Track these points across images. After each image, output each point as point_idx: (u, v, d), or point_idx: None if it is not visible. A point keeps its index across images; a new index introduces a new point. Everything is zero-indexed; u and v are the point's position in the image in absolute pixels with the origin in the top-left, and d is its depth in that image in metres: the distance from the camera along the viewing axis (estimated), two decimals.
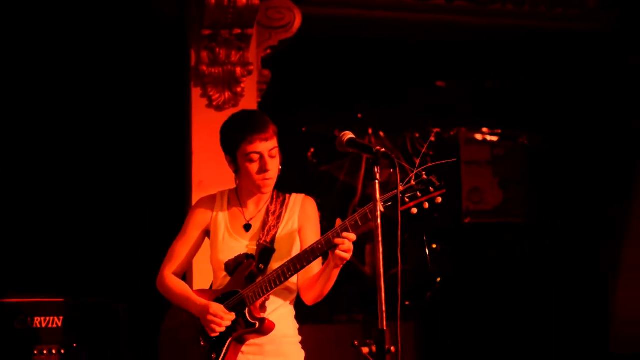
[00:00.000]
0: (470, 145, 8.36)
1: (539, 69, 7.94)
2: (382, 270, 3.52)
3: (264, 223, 4.34)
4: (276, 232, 4.30)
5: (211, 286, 4.45)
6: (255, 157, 4.18)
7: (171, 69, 6.64)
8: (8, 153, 6.83)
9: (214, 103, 6.14)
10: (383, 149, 3.60)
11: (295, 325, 4.39)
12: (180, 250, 4.46)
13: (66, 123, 6.85)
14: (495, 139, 8.51)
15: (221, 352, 4.19)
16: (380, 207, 3.69)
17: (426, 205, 3.86)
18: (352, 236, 3.93)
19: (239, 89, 6.15)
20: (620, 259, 7.84)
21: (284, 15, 6.45)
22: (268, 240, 4.27)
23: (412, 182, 3.84)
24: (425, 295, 7.65)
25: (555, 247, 8.12)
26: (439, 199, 3.83)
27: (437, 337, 7.58)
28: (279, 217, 4.34)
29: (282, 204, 4.40)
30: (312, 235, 4.30)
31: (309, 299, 4.32)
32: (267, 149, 4.20)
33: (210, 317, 4.14)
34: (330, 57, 7.38)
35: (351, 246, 3.95)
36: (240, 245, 4.31)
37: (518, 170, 8.45)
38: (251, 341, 4.23)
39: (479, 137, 8.46)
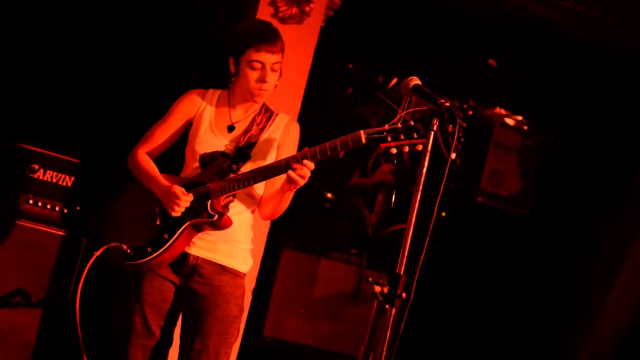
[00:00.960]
0: (504, 129, 8.37)
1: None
2: (414, 216, 3.62)
3: (247, 130, 4.47)
4: (256, 142, 4.44)
5: (179, 175, 4.55)
6: (258, 65, 4.31)
7: None
8: None
9: (279, 14, 6.13)
10: (448, 103, 3.66)
11: (250, 234, 4.55)
12: (158, 134, 4.57)
13: None
14: (528, 129, 8.52)
15: (174, 234, 4.29)
16: (362, 137, 3.98)
17: (406, 148, 3.98)
18: (310, 164, 4.09)
19: (307, 8, 6.13)
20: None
21: None
22: (247, 146, 4.42)
23: (398, 125, 3.97)
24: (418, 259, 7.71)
25: (555, 244, 8.22)
26: (419, 147, 3.91)
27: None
28: (262, 130, 4.48)
29: (269, 119, 4.54)
30: (287, 153, 4.41)
31: (263, 213, 4.54)
32: (271, 61, 4.32)
33: (172, 197, 4.25)
34: (400, 6, 7.35)
35: (307, 173, 4.10)
36: (220, 142, 4.44)
37: (540, 164, 8.50)
38: (205, 237, 4.38)
39: (513, 123, 8.46)
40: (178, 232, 4.29)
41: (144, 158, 4.53)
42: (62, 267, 6.03)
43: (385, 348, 3.54)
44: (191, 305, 4.43)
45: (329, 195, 7.64)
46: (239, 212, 4.44)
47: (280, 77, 4.43)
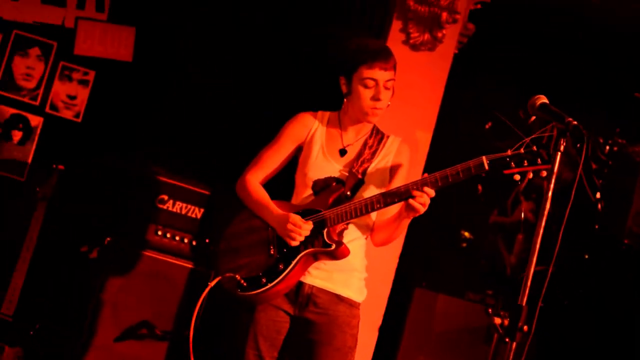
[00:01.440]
0: None
1: None
2: (537, 246, 3.43)
3: (359, 154, 4.33)
4: (368, 166, 4.30)
5: (290, 202, 4.43)
6: (371, 83, 4.17)
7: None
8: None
9: (411, 41, 5.95)
10: (575, 122, 3.49)
11: (364, 262, 4.39)
12: (268, 159, 4.45)
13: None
14: None
15: (290, 264, 4.15)
16: (484, 163, 3.84)
17: (530, 175, 3.84)
18: (431, 192, 3.96)
19: (439, 34, 5.93)
20: None
21: None
22: (360, 171, 4.27)
23: (521, 150, 3.83)
24: (563, 301, 7.40)
25: None
26: (544, 173, 3.79)
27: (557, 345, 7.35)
28: (374, 153, 4.34)
29: (380, 141, 4.40)
30: (401, 179, 4.31)
31: (376, 240, 4.39)
32: (384, 78, 4.18)
33: (289, 226, 4.11)
34: (539, 34, 7.07)
35: (427, 201, 3.97)
36: (332, 167, 4.31)
37: None
38: (321, 266, 4.23)
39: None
40: (294, 262, 4.16)
41: (254, 184, 4.43)
42: (189, 300, 5.96)
43: None
44: (305, 335, 4.28)
45: (467, 234, 7.43)
46: (353, 239, 4.29)
47: (392, 95, 4.27)
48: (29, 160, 6.71)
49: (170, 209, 6.06)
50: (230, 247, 4.37)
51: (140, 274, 5.91)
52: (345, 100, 4.34)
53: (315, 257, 4.19)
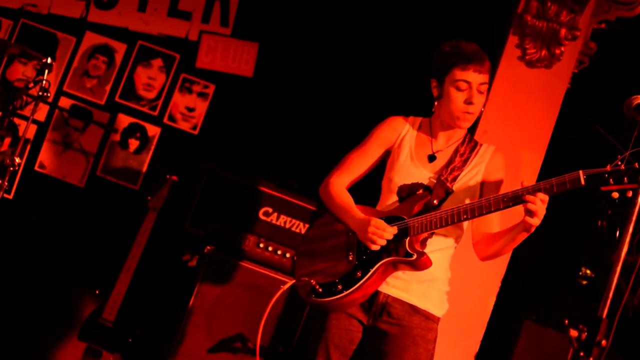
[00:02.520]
0: None
1: None
2: (623, 254, 3.29)
3: (450, 161, 4.11)
4: (459, 175, 4.08)
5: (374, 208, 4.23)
6: (464, 86, 3.98)
7: (491, 10, 6.25)
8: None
9: (527, 57, 5.69)
10: None
11: (448, 274, 4.17)
12: (354, 162, 4.27)
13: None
14: None
15: (368, 271, 3.94)
16: (581, 177, 3.60)
17: (629, 193, 3.52)
18: (545, 197, 3.66)
19: (557, 51, 5.65)
20: None
21: None
22: (449, 179, 4.05)
23: (622, 166, 3.56)
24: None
25: None
26: None
27: None
28: (465, 161, 4.11)
29: (472, 149, 4.16)
30: (495, 189, 4.06)
31: (485, 255, 4.09)
32: (478, 81, 3.99)
33: (371, 229, 3.90)
34: None
35: (542, 209, 3.67)
36: (420, 173, 4.11)
37: None
38: (399, 275, 4.01)
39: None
40: (372, 270, 3.94)
41: (338, 187, 4.24)
42: (286, 315, 5.84)
43: None
44: (377, 346, 4.06)
45: (588, 271, 7.07)
46: (437, 250, 4.06)
47: (486, 102, 4.07)
48: (144, 169, 6.78)
49: (274, 222, 5.99)
50: (309, 250, 4.21)
51: (237, 285, 5.86)
52: (435, 104, 4.14)
53: (394, 267, 3.97)
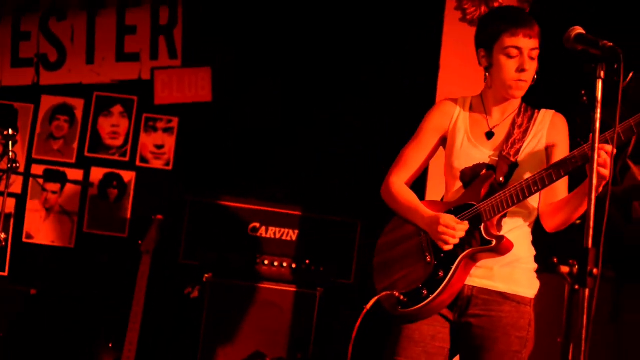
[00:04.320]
0: None
1: None
2: (594, 182, 3.10)
3: (509, 134, 3.89)
4: (521, 147, 3.86)
5: (442, 199, 4.05)
6: (515, 52, 3.76)
7: None
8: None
9: (468, 17, 5.72)
10: (610, 43, 3.13)
11: (532, 251, 3.92)
12: (411, 155, 4.05)
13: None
14: None
15: (450, 269, 3.73)
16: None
17: None
18: (609, 148, 3.42)
19: (496, 4, 5.67)
20: None
21: None
22: (512, 153, 3.83)
23: None
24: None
25: None
26: None
27: None
28: (525, 131, 3.89)
29: (530, 118, 3.94)
30: (562, 154, 3.78)
31: (553, 225, 3.87)
32: (529, 47, 3.77)
33: (441, 229, 3.72)
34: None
35: (608, 160, 3.43)
36: (480, 153, 3.89)
37: None
38: (481, 263, 3.78)
39: None
40: (453, 267, 3.74)
41: (400, 186, 4.03)
42: (298, 323, 5.90)
43: (585, 335, 3.03)
44: (468, 342, 3.86)
45: None
46: (515, 228, 3.85)
47: (537, 69, 3.85)
48: (128, 216, 6.80)
49: (264, 235, 6.03)
50: (383, 260, 3.99)
51: (243, 304, 5.86)
52: (486, 75, 3.92)
53: (475, 258, 3.77)
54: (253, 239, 6.02)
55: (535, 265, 3.91)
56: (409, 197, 4.00)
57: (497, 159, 3.84)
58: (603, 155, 3.44)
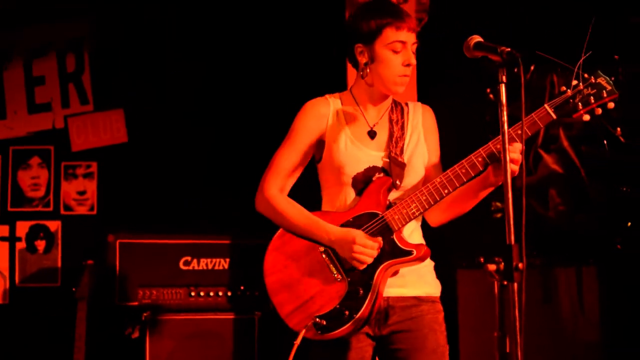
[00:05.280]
0: None
1: None
2: (509, 180, 3.16)
3: (391, 133, 3.72)
4: (403, 144, 3.71)
5: (321, 208, 3.82)
6: (399, 47, 3.60)
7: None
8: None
9: None
10: (508, 48, 3.17)
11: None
12: (285, 161, 3.76)
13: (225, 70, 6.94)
14: None
15: (370, 286, 3.53)
16: (549, 111, 3.51)
17: (598, 111, 3.52)
18: (519, 145, 3.44)
19: None
20: None
21: None
22: (398, 152, 3.68)
23: (581, 86, 3.50)
24: (615, 242, 7.16)
25: None
26: (611, 105, 3.50)
27: (623, 284, 7.10)
28: (402, 127, 3.76)
29: (402, 112, 3.79)
30: (435, 143, 3.81)
31: (441, 220, 3.82)
32: (411, 41, 3.63)
33: (357, 248, 3.49)
34: None
35: (519, 157, 3.42)
36: (367, 155, 3.68)
37: None
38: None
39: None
40: (374, 283, 3.54)
41: (282, 200, 3.72)
42: (240, 350, 5.97)
43: (519, 327, 3.14)
44: (397, 349, 3.68)
45: (498, 204, 7.23)
46: (414, 229, 3.74)
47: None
48: (59, 265, 6.81)
49: (196, 267, 6.09)
50: (282, 280, 3.68)
51: (185, 338, 5.92)
52: (360, 73, 3.73)
53: (392, 270, 3.60)
54: (186, 272, 6.07)
55: (433, 262, 3.79)
56: (299, 210, 3.71)
57: (388, 160, 3.69)
58: (516, 153, 3.43)
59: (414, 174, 3.71)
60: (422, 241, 3.75)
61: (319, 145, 3.78)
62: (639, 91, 6.72)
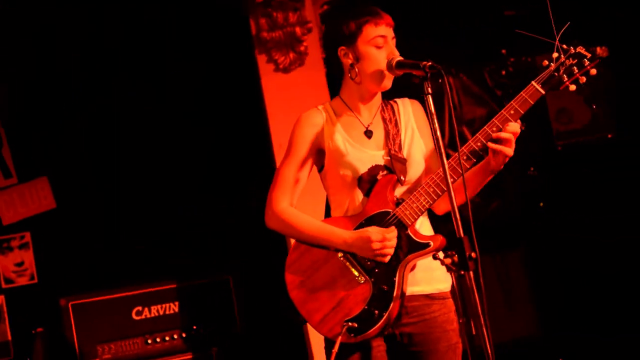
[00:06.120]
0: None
1: None
2: (447, 176, 3.38)
3: (386, 131, 3.86)
4: (401, 140, 3.85)
5: (329, 214, 3.97)
6: (381, 42, 3.75)
7: (237, 43, 6.65)
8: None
9: (281, 66, 6.15)
10: (430, 62, 3.43)
11: None
12: (291, 173, 3.89)
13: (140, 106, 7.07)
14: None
15: (394, 282, 3.65)
16: (538, 88, 3.62)
17: (583, 79, 3.64)
18: (516, 126, 3.62)
19: (302, 48, 6.15)
20: None
21: None
22: (397, 149, 3.81)
23: (562, 58, 3.61)
24: (533, 224, 7.52)
25: None
26: (594, 71, 3.63)
27: (547, 264, 7.47)
28: (396, 124, 3.89)
29: (393, 110, 3.95)
30: (429, 135, 3.90)
31: (445, 208, 3.89)
32: (390, 35, 3.80)
33: (376, 245, 3.63)
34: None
35: (510, 137, 3.60)
36: (368, 155, 3.82)
37: (601, 86, 8.00)
38: None
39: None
40: (397, 279, 3.66)
41: (292, 212, 3.87)
42: None
43: (482, 311, 3.34)
44: (409, 350, 3.80)
45: None
46: (422, 222, 3.83)
47: None
48: (9, 338, 6.83)
49: (148, 316, 6.24)
50: (306, 291, 3.79)
51: None
52: (347, 76, 3.85)
53: (412, 265, 3.72)
54: (140, 322, 6.22)
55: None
56: (310, 221, 3.84)
57: (389, 158, 3.80)
58: (505, 135, 3.59)
59: (415, 167, 3.83)
60: (432, 232, 3.86)
61: (319, 154, 3.92)
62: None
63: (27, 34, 6.76)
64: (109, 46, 6.97)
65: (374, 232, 3.66)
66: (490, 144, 3.63)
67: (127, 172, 7.10)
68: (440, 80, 3.40)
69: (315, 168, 4.00)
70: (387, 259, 3.66)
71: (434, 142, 3.45)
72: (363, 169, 3.80)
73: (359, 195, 3.82)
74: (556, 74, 3.64)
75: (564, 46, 3.61)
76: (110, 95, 7.06)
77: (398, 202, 3.74)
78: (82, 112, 7.07)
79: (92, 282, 6.63)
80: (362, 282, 3.70)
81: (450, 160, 3.63)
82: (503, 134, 3.62)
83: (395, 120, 3.90)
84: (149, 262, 6.80)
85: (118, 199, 7.08)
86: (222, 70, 6.89)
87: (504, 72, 7.78)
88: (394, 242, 3.66)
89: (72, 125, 7.06)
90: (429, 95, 3.42)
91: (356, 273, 3.72)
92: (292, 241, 3.93)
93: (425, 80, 3.43)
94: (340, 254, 3.76)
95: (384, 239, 3.64)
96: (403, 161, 3.80)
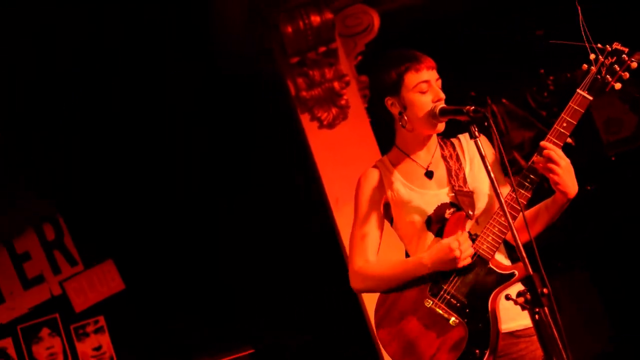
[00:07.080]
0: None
1: None
2: (505, 209, 3.33)
3: (448, 168, 3.83)
4: (464, 174, 3.81)
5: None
6: (425, 87, 3.73)
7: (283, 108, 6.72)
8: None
9: (325, 122, 6.19)
10: (473, 107, 3.43)
11: None
12: (366, 234, 3.89)
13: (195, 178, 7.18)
14: None
15: (487, 318, 3.58)
16: (584, 95, 3.53)
17: (626, 75, 3.53)
18: (556, 151, 3.50)
19: (343, 102, 6.18)
20: None
21: (362, 20, 6.36)
22: (462, 183, 3.77)
23: (601, 58, 3.51)
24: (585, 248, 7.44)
25: None
26: (634, 64, 3.52)
27: (617, 284, 7.39)
28: (458, 159, 3.86)
29: (453, 146, 3.93)
30: (496, 165, 3.88)
31: (523, 237, 3.51)
32: (434, 77, 3.78)
33: (455, 252, 3.55)
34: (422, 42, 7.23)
35: (558, 161, 3.48)
36: (430, 196, 3.80)
37: None
38: None
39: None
40: (490, 314, 3.58)
41: (372, 263, 3.86)
42: None
43: (562, 346, 3.24)
44: None
45: None
46: (497, 250, 3.70)
47: None
48: None
49: None
50: (403, 345, 3.72)
51: None
52: (404, 120, 3.80)
53: (498, 297, 3.60)
54: None
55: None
56: (388, 263, 3.82)
57: (454, 194, 3.76)
58: (551, 157, 3.47)
59: (483, 199, 3.77)
60: (508, 260, 3.78)
61: (386, 208, 3.92)
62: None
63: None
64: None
65: (446, 242, 3.60)
66: (541, 171, 3.54)
67: (190, 242, 7.20)
68: (486, 124, 3.34)
69: (388, 224, 3.98)
70: (467, 262, 3.60)
71: (490, 181, 3.35)
72: (430, 210, 3.78)
73: (430, 237, 3.78)
74: (599, 76, 3.54)
75: (599, 45, 3.53)
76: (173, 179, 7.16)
77: (473, 238, 3.68)
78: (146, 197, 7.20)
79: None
80: (456, 325, 3.63)
81: (506, 197, 3.57)
82: (537, 161, 3.54)
83: (457, 156, 3.87)
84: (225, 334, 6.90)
85: (188, 271, 7.17)
86: (268, 134, 7.01)
87: (545, 94, 7.76)
88: (469, 242, 3.61)
89: (135, 206, 7.17)
90: (477, 139, 3.39)
91: (447, 316, 3.65)
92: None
93: (471, 124, 3.40)
94: (427, 302, 3.68)
95: (459, 242, 3.57)
96: (469, 194, 3.76)
